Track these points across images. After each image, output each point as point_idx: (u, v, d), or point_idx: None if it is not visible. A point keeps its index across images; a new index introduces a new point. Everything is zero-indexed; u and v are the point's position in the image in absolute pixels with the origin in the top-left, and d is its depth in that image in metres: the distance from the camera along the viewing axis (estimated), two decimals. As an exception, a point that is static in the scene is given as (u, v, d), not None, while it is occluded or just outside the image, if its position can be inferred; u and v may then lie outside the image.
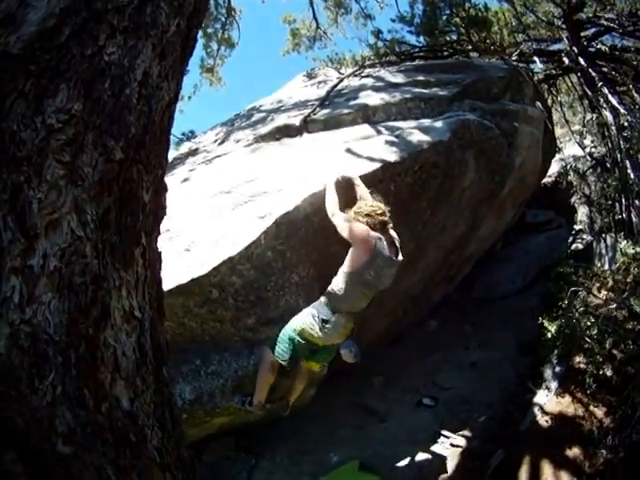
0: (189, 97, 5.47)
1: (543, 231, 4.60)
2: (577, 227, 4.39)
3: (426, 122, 3.21)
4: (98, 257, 0.55)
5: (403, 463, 2.66)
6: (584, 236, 4.15)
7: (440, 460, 2.62)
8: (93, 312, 0.51)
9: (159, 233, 0.79)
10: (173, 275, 2.29)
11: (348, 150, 2.83)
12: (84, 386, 0.47)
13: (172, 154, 4.38)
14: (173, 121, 0.84)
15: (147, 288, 0.67)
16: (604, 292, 3.18)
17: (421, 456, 2.70)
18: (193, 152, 3.89)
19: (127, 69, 0.62)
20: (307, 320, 2.11)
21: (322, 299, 2.13)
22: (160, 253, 0.80)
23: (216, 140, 3.97)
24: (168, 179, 2.92)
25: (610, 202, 3.82)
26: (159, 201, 0.77)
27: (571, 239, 4.29)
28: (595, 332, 2.48)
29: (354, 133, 3.13)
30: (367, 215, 2.06)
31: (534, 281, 4.22)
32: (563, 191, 4.61)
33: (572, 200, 4.46)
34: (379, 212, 2.08)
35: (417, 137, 2.87)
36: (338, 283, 2.09)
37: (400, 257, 2.13)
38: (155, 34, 0.71)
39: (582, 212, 4.33)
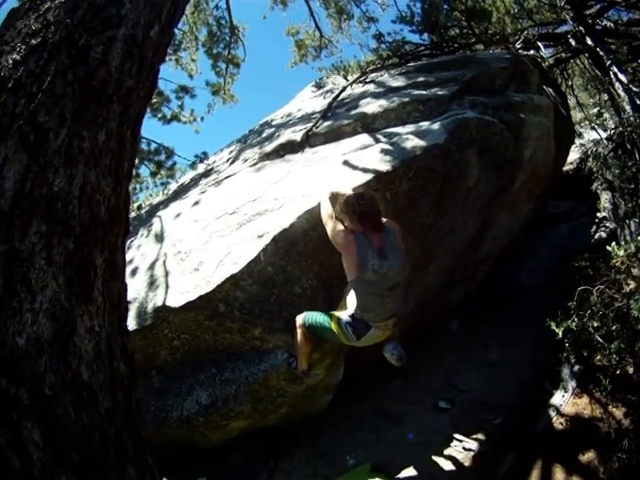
0: (202, 118, 5.80)
1: (566, 221, 4.41)
2: (600, 215, 4.15)
3: (424, 125, 3.22)
4: (68, 300, 0.93)
5: (415, 466, 2.70)
6: (608, 224, 3.92)
7: (452, 464, 2.64)
8: (66, 328, 0.90)
9: (119, 278, 1.14)
10: (184, 293, 2.52)
11: (345, 162, 2.92)
12: (60, 363, 0.85)
13: (188, 176, 4.68)
14: (128, 195, 1.24)
15: (107, 314, 1.02)
16: (629, 282, 3.02)
17: (434, 460, 2.73)
18: (207, 173, 4.15)
19: (68, 192, 0.98)
20: (344, 327, 2.20)
21: (359, 311, 2.17)
22: (120, 290, 1.13)
23: (228, 159, 4.20)
24: (182, 202, 3.18)
25: (633, 186, 3.61)
26: (114, 257, 1.10)
27: (594, 228, 4.07)
28: (605, 332, 2.39)
29: (353, 144, 3.21)
30: (349, 211, 2.09)
31: (556, 275, 4.06)
32: (585, 178, 4.37)
33: (594, 187, 4.23)
34: (359, 201, 2.06)
35: (412, 143, 2.90)
36: (352, 297, 2.17)
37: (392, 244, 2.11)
38: (85, 155, 1.03)
39: (605, 198, 4.10)
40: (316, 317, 2.31)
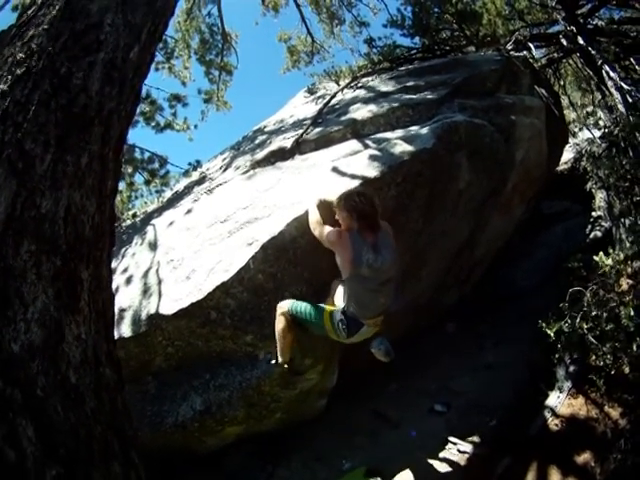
0: (195, 125, 5.86)
1: (561, 221, 4.39)
2: (595, 214, 4.14)
3: (413, 130, 3.23)
4: (57, 311, 1.00)
5: (411, 469, 2.71)
6: (603, 223, 3.91)
7: (447, 467, 2.64)
8: (55, 336, 0.97)
9: (105, 289, 1.21)
10: (177, 300, 2.55)
11: (334, 169, 2.94)
12: (50, 367, 0.92)
13: (183, 183, 4.74)
14: (113, 210, 1.32)
15: (93, 323, 1.10)
16: (623, 280, 3.01)
17: (429, 463, 2.73)
18: (200, 180, 4.19)
19: (54, 213, 1.07)
20: (336, 324, 2.19)
21: (351, 309, 2.17)
22: (105, 301, 1.20)
23: (221, 167, 4.24)
24: (175, 211, 3.22)
25: (628, 184, 3.60)
26: (100, 271, 1.17)
27: (589, 227, 4.05)
28: (598, 333, 2.38)
29: (342, 150, 3.23)
30: (349, 207, 2.11)
31: (552, 275, 4.05)
32: (580, 178, 4.36)
33: (588, 186, 4.21)
34: (360, 199, 2.10)
35: (400, 148, 2.92)
36: (346, 295, 2.17)
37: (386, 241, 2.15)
38: (69, 178, 1.11)
39: (600, 197, 4.09)
40: (304, 307, 2.27)
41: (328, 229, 2.18)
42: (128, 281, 2.98)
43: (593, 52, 3.74)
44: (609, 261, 2.36)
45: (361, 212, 2.10)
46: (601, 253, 2.42)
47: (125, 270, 3.11)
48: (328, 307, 2.28)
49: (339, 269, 2.19)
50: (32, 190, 1.04)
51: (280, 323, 2.33)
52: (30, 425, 0.81)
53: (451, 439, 2.83)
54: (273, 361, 2.47)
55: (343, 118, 3.66)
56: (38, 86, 1.15)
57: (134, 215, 4.49)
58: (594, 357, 2.76)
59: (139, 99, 1.55)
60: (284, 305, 2.33)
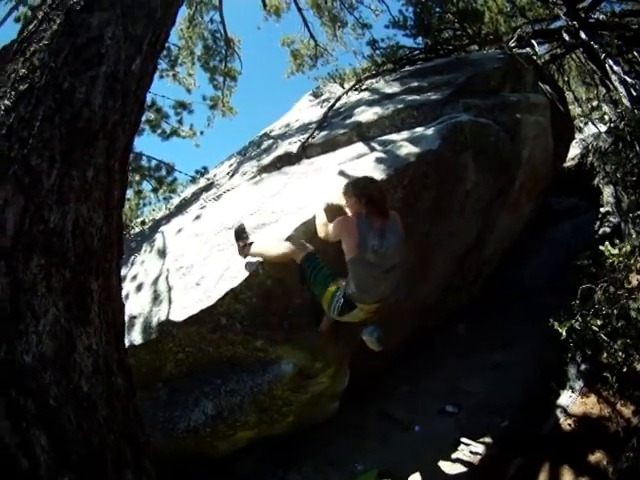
0: (201, 132, 5.90)
1: (569, 218, 4.36)
2: (604, 209, 4.10)
3: (418, 131, 3.24)
4: (68, 322, 1.02)
5: (423, 472, 2.71)
6: (611, 218, 3.88)
7: (459, 468, 2.64)
8: (66, 347, 0.99)
9: (115, 299, 1.23)
10: (187, 307, 2.58)
11: (340, 172, 2.96)
12: (62, 378, 0.94)
13: (190, 190, 4.78)
14: (120, 221, 1.33)
15: (103, 334, 1.12)
16: (633, 276, 2.98)
17: (441, 464, 2.73)
18: (207, 187, 4.22)
19: (62, 227, 1.08)
20: (335, 298, 2.20)
21: (349, 290, 2.17)
22: (115, 311, 1.22)
23: (228, 172, 4.27)
24: (183, 217, 3.25)
25: (635, 178, 3.57)
26: (109, 282, 1.19)
27: (598, 223, 4.02)
28: (610, 330, 2.37)
29: (348, 153, 3.24)
30: (358, 192, 2.13)
31: (561, 272, 4.02)
32: (587, 173, 4.33)
33: (596, 181, 4.18)
34: (369, 184, 2.13)
35: (406, 150, 2.93)
36: (348, 277, 2.17)
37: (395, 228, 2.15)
38: (75, 192, 1.12)
39: (607, 192, 4.05)
40: (315, 272, 2.24)
41: (328, 226, 2.20)
42: (138, 289, 3.02)
43: (596, 46, 3.72)
44: (615, 251, 2.34)
45: (370, 197, 2.12)
46: (607, 243, 2.40)
47: (135, 278, 3.15)
48: (334, 284, 2.26)
49: (344, 263, 2.18)
50: (40, 205, 1.06)
51: (283, 249, 2.28)
52: (43, 434, 0.83)
53: (463, 440, 2.82)
54: (246, 240, 2.39)
55: (348, 121, 3.67)
56: (42, 102, 1.16)
57: (142, 223, 4.53)
58: (605, 355, 2.75)
59: (143, 109, 1.57)
60: (300, 250, 2.26)
